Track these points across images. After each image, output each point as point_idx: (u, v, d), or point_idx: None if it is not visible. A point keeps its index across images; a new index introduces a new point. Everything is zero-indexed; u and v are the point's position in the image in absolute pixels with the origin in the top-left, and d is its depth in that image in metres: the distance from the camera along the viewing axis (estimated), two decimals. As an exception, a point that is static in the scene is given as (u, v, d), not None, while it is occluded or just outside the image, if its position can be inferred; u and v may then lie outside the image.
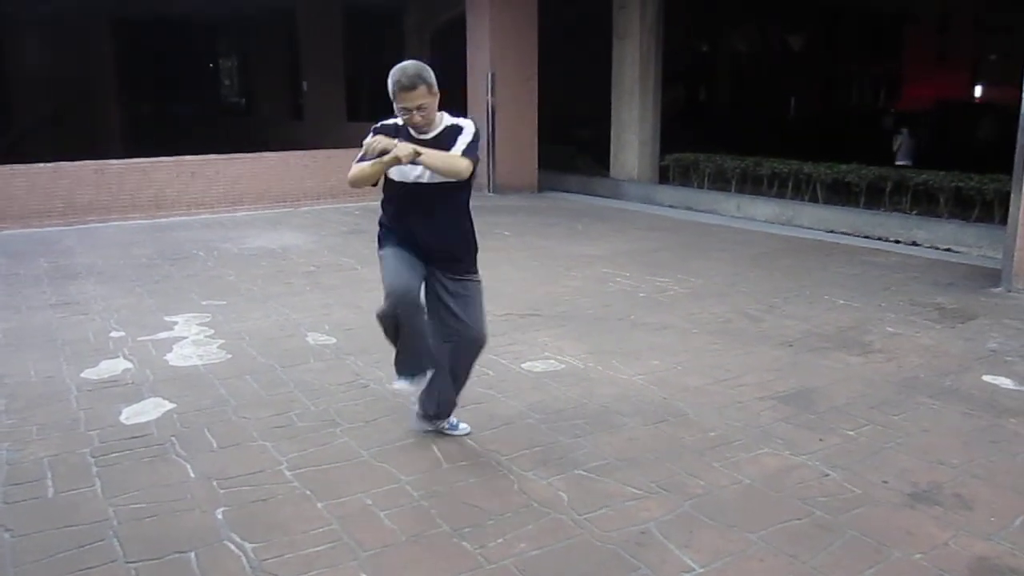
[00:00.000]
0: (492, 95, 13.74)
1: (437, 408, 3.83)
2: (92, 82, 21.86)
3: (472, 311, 3.66)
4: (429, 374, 3.64)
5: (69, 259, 8.58)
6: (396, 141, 3.29)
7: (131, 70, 24.28)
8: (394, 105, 3.39)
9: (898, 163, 13.43)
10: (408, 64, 3.37)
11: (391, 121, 3.53)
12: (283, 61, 24.51)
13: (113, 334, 5.72)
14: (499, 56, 13.73)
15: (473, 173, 3.46)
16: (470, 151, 3.40)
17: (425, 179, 3.46)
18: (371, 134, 3.46)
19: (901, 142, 13.97)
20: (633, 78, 14.05)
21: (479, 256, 3.78)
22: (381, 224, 3.73)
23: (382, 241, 3.68)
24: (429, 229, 3.55)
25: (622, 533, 3.06)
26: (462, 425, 3.94)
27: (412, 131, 3.44)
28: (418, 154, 3.27)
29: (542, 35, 14.19)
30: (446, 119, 3.51)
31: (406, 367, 3.64)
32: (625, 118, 14.34)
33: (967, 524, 3.13)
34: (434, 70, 3.39)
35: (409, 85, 3.30)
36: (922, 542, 3.00)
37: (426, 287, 3.62)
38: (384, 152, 3.27)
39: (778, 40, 24.84)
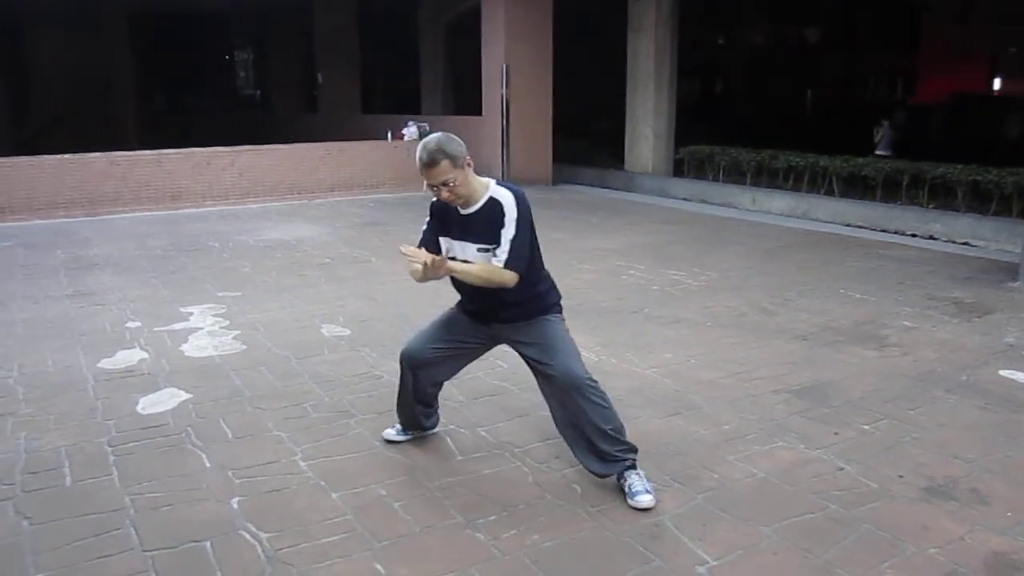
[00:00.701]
0: (507, 88, 13.72)
1: (595, 470, 3.34)
2: (109, 77, 21.98)
3: (550, 350, 3.27)
4: (409, 435, 3.80)
5: (85, 250, 8.65)
6: (429, 258, 3.06)
7: (147, 64, 24.41)
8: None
9: (878, 153, 13.56)
10: (430, 139, 3.12)
11: None
12: (298, 54, 24.57)
13: (129, 324, 5.76)
14: (514, 49, 13.71)
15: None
16: (515, 256, 3.11)
17: (467, 255, 3.26)
18: (430, 214, 3.37)
19: (882, 134, 14.15)
20: (648, 71, 14.00)
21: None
22: None
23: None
24: (486, 297, 3.29)
25: (636, 526, 3.06)
26: (641, 498, 3.18)
27: (459, 206, 3.22)
28: (449, 270, 3.11)
29: (557, 28, 14.15)
30: (491, 189, 3.21)
31: (398, 416, 3.79)
32: (640, 111, 14.29)
33: (983, 519, 3.10)
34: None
35: (429, 162, 3.06)
36: (937, 537, 2.98)
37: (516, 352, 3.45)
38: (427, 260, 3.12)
39: (794, 33, 24.69)
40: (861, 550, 2.89)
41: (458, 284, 3.40)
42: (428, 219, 3.39)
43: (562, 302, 3.46)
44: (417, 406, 3.67)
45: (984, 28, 22.31)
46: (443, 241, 3.33)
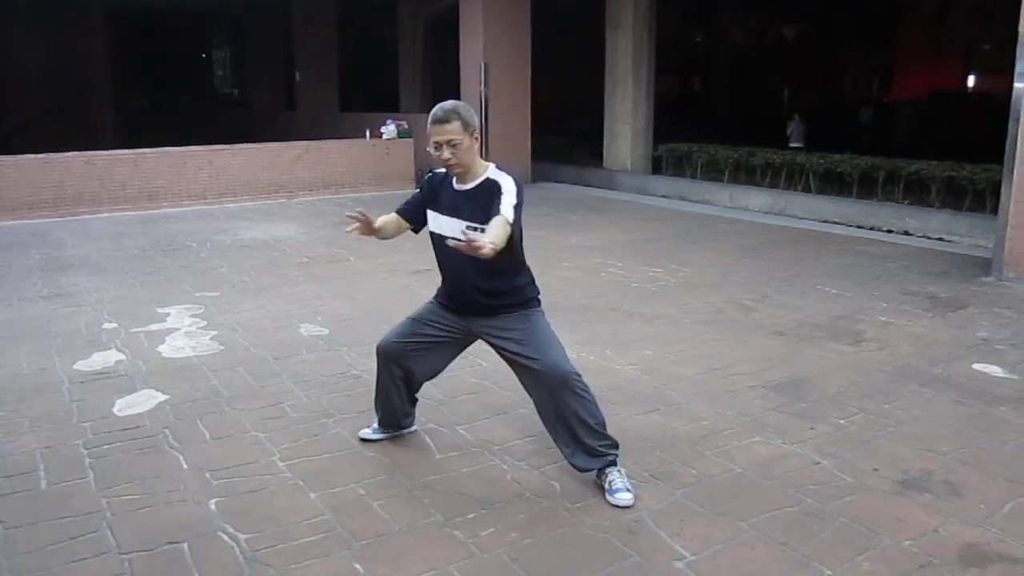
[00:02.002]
0: (485, 85, 13.70)
1: (579, 465, 3.33)
2: (87, 76, 21.73)
3: (535, 343, 3.25)
4: (386, 433, 3.80)
5: (61, 251, 8.56)
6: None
7: (125, 63, 24.18)
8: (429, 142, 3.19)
9: (792, 145, 14.06)
10: (448, 101, 3.21)
11: (441, 170, 3.34)
12: (276, 52, 24.41)
13: (106, 326, 5.71)
14: (492, 46, 13.69)
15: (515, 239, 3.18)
16: (509, 208, 3.05)
17: (455, 232, 3.15)
18: (422, 186, 3.42)
19: (793, 127, 14.49)
20: (626, 69, 14.04)
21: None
22: None
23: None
24: (464, 284, 3.29)
25: (614, 522, 3.07)
26: (621, 496, 3.21)
27: (454, 181, 3.24)
28: (492, 246, 2.88)
29: (535, 26, 14.15)
30: (491, 171, 3.21)
31: (376, 412, 3.79)
32: (618, 109, 14.33)
33: (957, 511, 3.15)
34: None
35: (443, 118, 3.11)
36: (912, 529, 3.02)
37: (491, 347, 3.41)
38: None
39: (772, 32, 24.84)
40: (837, 543, 2.92)
41: (444, 268, 3.40)
42: (418, 190, 3.45)
43: (541, 299, 3.46)
44: (395, 402, 3.66)
45: (959, 26, 22.53)
46: (431, 215, 3.34)
